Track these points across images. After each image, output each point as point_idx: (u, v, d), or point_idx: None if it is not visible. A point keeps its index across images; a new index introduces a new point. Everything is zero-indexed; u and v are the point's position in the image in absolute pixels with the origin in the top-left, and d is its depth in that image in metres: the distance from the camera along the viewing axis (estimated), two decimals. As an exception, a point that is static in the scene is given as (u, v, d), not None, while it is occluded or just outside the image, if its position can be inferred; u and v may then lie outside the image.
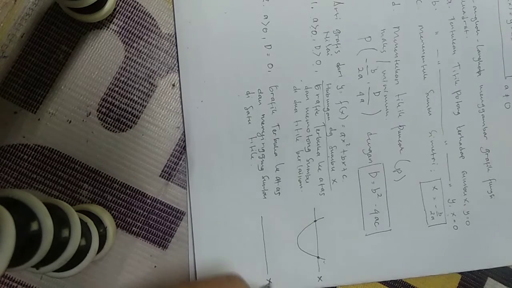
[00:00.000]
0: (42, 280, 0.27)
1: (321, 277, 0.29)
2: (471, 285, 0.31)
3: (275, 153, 0.29)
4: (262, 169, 0.29)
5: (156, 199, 0.28)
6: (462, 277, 0.31)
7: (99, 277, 0.28)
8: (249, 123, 0.29)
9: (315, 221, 0.29)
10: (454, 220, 0.30)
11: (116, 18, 0.28)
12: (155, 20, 0.28)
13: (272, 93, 0.29)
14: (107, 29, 0.28)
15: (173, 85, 0.29)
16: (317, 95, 0.29)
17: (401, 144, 0.30)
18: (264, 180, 0.29)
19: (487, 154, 0.31)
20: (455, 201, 0.30)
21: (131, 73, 0.28)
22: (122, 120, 0.28)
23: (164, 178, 0.28)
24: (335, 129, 0.29)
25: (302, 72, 0.29)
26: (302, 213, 0.29)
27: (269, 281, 0.28)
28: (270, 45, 0.29)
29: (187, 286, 0.21)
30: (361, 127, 0.30)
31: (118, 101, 0.28)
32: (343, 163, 0.30)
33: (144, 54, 0.28)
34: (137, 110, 0.28)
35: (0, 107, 0.27)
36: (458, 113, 0.30)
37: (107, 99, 0.28)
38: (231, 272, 0.27)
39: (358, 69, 0.30)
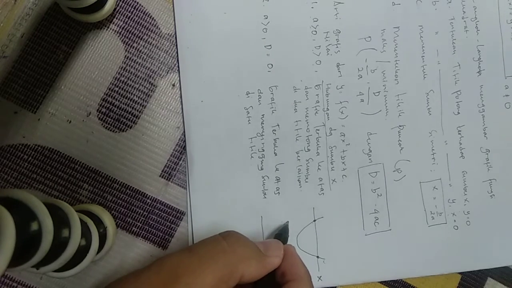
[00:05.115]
0: (42, 280, 0.27)
1: (320, 277, 0.29)
2: (471, 285, 0.31)
3: (274, 153, 0.29)
4: (262, 169, 0.29)
5: (156, 199, 0.28)
6: (462, 277, 0.31)
7: (99, 277, 0.28)
8: (249, 123, 0.29)
9: (314, 220, 0.29)
10: (455, 220, 0.30)
11: (116, 18, 0.28)
12: (155, 20, 0.28)
13: (272, 93, 0.29)
14: (107, 29, 0.28)
15: (173, 85, 0.29)
16: (317, 95, 0.29)
17: (401, 144, 0.30)
18: (264, 180, 0.29)
19: (487, 154, 0.31)
20: (455, 201, 0.30)
21: (131, 73, 0.28)
22: (122, 120, 0.28)
23: (164, 178, 0.28)
24: (335, 129, 0.29)
25: (302, 72, 0.29)
26: (302, 213, 0.29)
27: (287, 221, 0.29)
28: (270, 45, 0.29)
29: (186, 251, 0.22)
30: (361, 127, 0.30)
31: (118, 101, 0.28)
32: (343, 163, 0.30)
33: (144, 54, 0.28)
34: (137, 110, 0.28)
35: (0, 107, 0.27)
36: (458, 113, 0.30)
37: (107, 99, 0.28)
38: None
39: (358, 69, 0.30)
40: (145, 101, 0.28)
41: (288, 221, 0.29)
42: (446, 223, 0.30)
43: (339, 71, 0.29)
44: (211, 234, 0.28)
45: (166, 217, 0.29)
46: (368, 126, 0.30)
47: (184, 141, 0.29)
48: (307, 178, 0.29)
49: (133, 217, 0.28)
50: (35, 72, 0.27)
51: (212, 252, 0.22)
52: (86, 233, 0.23)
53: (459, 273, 0.31)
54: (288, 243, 0.29)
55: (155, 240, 0.28)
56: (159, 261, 0.22)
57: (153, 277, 0.21)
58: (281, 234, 0.28)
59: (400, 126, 0.30)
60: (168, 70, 0.29)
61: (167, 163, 0.28)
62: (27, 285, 0.27)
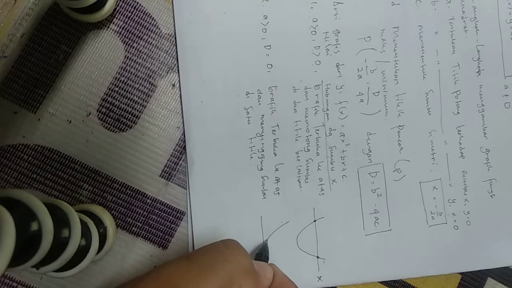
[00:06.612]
0: (42, 280, 0.27)
1: (320, 277, 0.29)
2: (471, 285, 0.31)
3: (274, 153, 0.29)
4: (261, 169, 0.29)
5: (156, 199, 0.28)
6: (462, 277, 0.31)
7: (99, 277, 0.28)
8: (249, 123, 0.29)
9: (314, 221, 0.29)
10: (455, 220, 0.30)
11: (116, 18, 0.28)
12: (155, 20, 0.28)
13: (272, 94, 0.29)
14: (107, 29, 0.28)
15: (173, 85, 0.29)
16: (316, 95, 0.29)
17: (400, 144, 0.30)
18: (264, 180, 0.29)
19: (487, 154, 0.31)
20: (455, 201, 0.30)
21: (131, 73, 0.28)
22: (122, 120, 0.28)
23: (164, 178, 0.28)
24: (335, 129, 0.29)
25: (301, 72, 0.29)
26: (302, 213, 0.29)
27: (266, 240, 0.29)
28: (269, 45, 0.29)
29: (185, 259, 0.21)
30: (360, 127, 0.30)
31: (118, 101, 0.28)
32: (343, 163, 0.30)
33: (144, 54, 0.28)
34: (137, 110, 0.28)
35: (0, 107, 0.27)
36: (458, 113, 0.30)
37: (107, 99, 0.28)
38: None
39: (358, 69, 0.30)
40: (145, 101, 0.28)
41: (267, 240, 0.29)
42: (446, 223, 0.30)
43: (338, 71, 0.29)
44: (211, 234, 0.28)
45: (166, 217, 0.29)
46: (367, 126, 0.30)
47: (184, 141, 0.29)
48: (307, 178, 0.29)
49: (133, 217, 0.28)
50: (35, 72, 0.27)
51: (213, 261, 0.21)
52: (86, 233, 0.23)
53: (459, 273, 0.31)
54: (288, 244, 0.29)
55: (155, 240, 0.28)
56: (158, 269, 0.21)
57: (151, 286, 0.20)
58: (262, 254, 0.27)
59: (399, 126, 0.30)
60: (168, 70, 0.29)
61: (167, 163, 0.28)
62: (27, 285, 0.27)
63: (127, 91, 0.28)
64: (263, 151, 0.29)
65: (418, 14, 0.30)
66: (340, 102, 0.30)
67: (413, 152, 0.30)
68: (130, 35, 0.28)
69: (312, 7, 0.29)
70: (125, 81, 0.28)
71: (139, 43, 0.28)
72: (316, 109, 0.29)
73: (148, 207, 0.28)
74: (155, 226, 0.28)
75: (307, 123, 0.29)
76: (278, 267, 0.25)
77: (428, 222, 0.30)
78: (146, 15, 0.28)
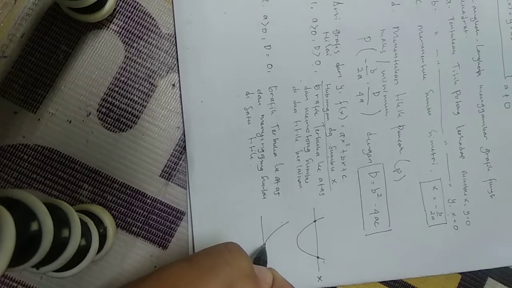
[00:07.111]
0: (42, 280, 0.27)
1: (321, 277, 0.29)
2: (471, 285, 0.31)
3: (274, 153, 0.29)
4: (261, 169, 0.29)
5: (156, 199, 0.28)
6: (462, 277, 0.31)
7: (99, 277, 0.28)
8: (249, 123, 0.29)
9: (314, 221, 0.29)
10: (455, 220, 0.30)
11: (116, 18, 0.28)
12: (155, 20, 0.28)
13: (272, 94, 0.29)
14: (107, 29, 0.28)
15: (173, 85, 0.29)
16: (316, 95, 0.29)
17: (400, 144, 0.30)
18: (264, 180, 0.29)
19: (487, 154, 0.31)
20: (455, 201, 0.30)
21: (131, 73, 0.28)
22: (122, 120, 0.28)
23: (164, 178, 0.28)
24: (335, 129, 0.29)
25: (301, 72, 0.29)
26: (302, 213, 0.29)
27: (264, 244, 0.29)
28: (269, 45, 0.29)
29: (186, 261, 0.21)
30: (360, 127, 0.30)
31: (118, 101, 0.28)
32: (343, 163, 0.30)
33: (144, 54, 0.28)
34: (137, 110, 0.28)
35: (0, 107, 0.27)
36: (458, 113, 0.30)
37: (107, 99, 0.28)
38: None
39: (358, 69, 0.30)
40: (145, 101, 0.28)
41: (265, 244, 0.29)
42: (446, 223, 0.30)
43: (338, 71, 0.29)
44: (211, 234, 0.28)
45: (166, 217, 0.29)
46: (367, 126, 0.30)
47: (184, 141, 0.29)
48: (307, 179, 0.29)
49: (133, 217, 0.28)
50: (35, 72, 0.27)
51: (214, 264, 0.21)
52: (86, 233, 0.23)
53: (459, 273, 0.31)
54: (288, 244, 0.29)
55: (155, 240, 0.28)
56: (159, 270, 0.21)
57: (152, 287, 0.20)
58: (260, 258, 0.27)
59: (399, 126, 0.30)
60: (168, 70, 0.29)
61: (167, 163, 0.28)
62: (27, 285, 0.27)
63: (127, 91, 0.28)
64: (263, 151, 0.29)
65: (418, 14, 0.30)
66: (340, 102, 0.30)
67: (413, 152, 0.30)
68: (130, 35, 0.28)
69: (312, 7, 0.29)
70: (125, 81, 0.28)
71: (139, 43, 0.28)
72: (316, 109, 0.29)
73: (148, 207, 0.28)
74: (155, 226, 0.28)
75: (307, 123, 0.29)
76: (277, 271, 0.25)
77: (428, 222, 0.30)
78: (146, 15, 0.28)
